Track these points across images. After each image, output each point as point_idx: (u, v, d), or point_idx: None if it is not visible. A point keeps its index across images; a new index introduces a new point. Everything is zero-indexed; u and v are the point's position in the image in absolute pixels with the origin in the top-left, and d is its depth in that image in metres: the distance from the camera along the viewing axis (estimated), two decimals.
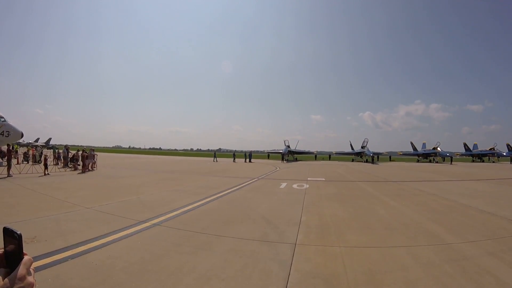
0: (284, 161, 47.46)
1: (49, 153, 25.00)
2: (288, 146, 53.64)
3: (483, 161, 60.35)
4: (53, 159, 24.24)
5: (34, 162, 22.40)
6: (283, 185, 14.47)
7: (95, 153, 21.66)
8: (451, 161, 52.93)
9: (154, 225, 6.24)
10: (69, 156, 22.54)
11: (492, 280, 3.79)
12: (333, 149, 71.40)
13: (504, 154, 61.30)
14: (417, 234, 6.02)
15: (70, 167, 21.12)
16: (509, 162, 53.08)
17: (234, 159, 47.58)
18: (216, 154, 48.52)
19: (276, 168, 29.57)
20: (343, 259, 4.54)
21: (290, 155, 55.16)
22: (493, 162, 57.52)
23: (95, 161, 21.04)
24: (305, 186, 14.12)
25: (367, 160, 52.61)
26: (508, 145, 65.66)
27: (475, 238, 5.68)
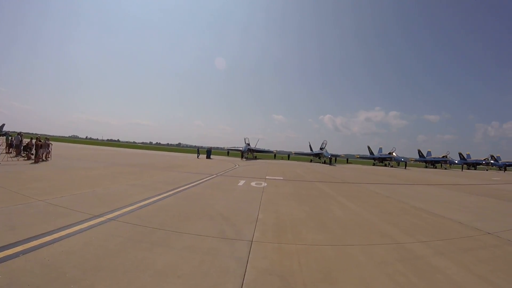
0: (244, 159, 47.68)
1: (1, 140, 23.32)
2: (248, 144, 54.24)
3: (435, 168, 64.31)
4: (6, 147, 22.61)
5: None
6: (242, 182, 14.54)
7: (50, 142, 20.39)
8: (406, 166, 56.00)
9: (110, 220, 6.01)
10: (22, 144, 21.04)
11: (443, 279, 4.06)
12: (293, 149, 73.31)
13: (456, 162, 66.04)
14: (371, 233, 6.30)
15: (23, 156, 19.67)
16: (460, 170, 57.09)
17: (209, 155, 45.13)
18: (199, 150, 46.26)
19: (235, 165, 29.69)
20: (299, 256, 4.66)
21: (250, 153, 55.76)
22: (445, 168, 61.50)
23: (49, 151, 19.76)
24: (263, 184, 14.27)
25: (325, 161, 54.32)
26: (460, 154, 70.92)
27: (427, 239, 6.04)
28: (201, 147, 47.63)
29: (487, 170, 64.90)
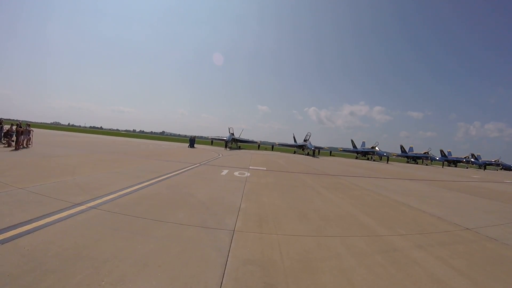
0: (227, 149, 47.64)
1: None
2: (232, 134, 54.40)
3: (417, 163, 65.80)
4: None
5: None
6: (225, 172, 14.58)
7: (31, 129, 19.87)
8: (388, 161, 57.22)
9: (90, 208, 5.91)
10: (2, 130, 20.41)
11: (421, 271, 4.18)
12: (277, 140, 73.42)
13: (437, 158, 67.68)
14: (351, 225, 6.42)
15: (4, 143, 19.13)
16: (441, 166, 58.54)
17: (193, 144, 44.01)
18: (191, 139, 44.75)
19: (219, 155, 29.73)
20: (280, 246, 4.72)
21: (233, 143, 55.85)
22: (426, 165, 62.92)
23: (30, 138, 19.26)
24: (246, 174, 14.35)
25: (308, 153, 54.81)
26: (441, 151, 72.73)
27: (406, 232, 6.19)
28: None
29: (467, 168, 66.81)
